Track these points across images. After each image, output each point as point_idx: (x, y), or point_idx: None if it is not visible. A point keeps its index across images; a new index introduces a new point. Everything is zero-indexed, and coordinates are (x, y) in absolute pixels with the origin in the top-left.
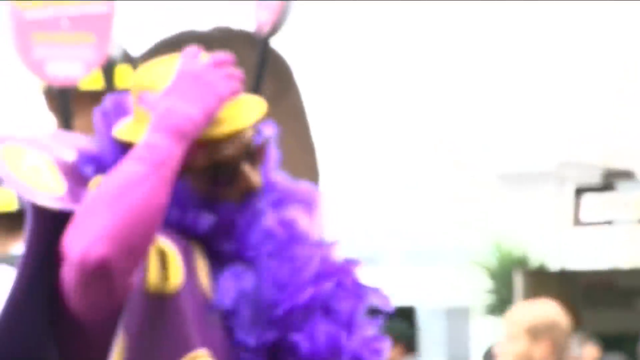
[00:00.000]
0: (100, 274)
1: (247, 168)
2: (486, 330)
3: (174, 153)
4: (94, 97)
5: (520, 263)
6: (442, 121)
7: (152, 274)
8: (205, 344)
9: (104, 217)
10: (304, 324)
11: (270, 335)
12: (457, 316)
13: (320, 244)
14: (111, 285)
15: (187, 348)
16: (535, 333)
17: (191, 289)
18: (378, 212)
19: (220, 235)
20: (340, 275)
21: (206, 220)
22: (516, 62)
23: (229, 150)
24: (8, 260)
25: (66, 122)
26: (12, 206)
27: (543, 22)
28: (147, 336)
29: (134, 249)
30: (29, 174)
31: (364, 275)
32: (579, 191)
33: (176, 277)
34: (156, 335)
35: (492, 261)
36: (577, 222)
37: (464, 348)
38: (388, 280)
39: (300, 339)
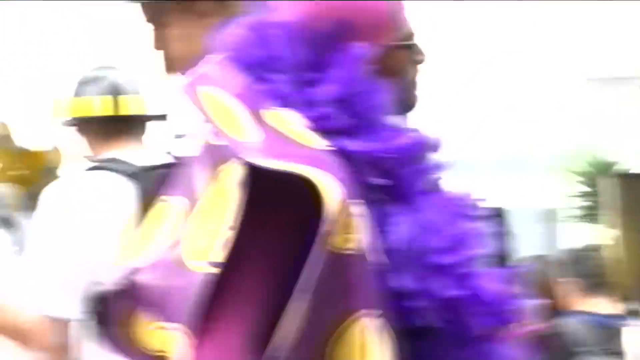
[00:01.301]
0: None
1: None
2: (575, 234)
3: None
4: (187, 7)
5: (608, 168)
6: (531, 27)
7: (340, 237)
8: (369, 303)
9: None
10: (469, 281)
11: (434, 285)
12: (546, 220)
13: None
14: None
15: (355, 307)
16: None
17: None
18: (468, 120)
19: (377, 166)
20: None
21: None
22: None
23: None
24: (97, 163)
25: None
26: (92, 112)
27: None
28: (320, 292)
29: None
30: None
31: (457, 183)
32: None
33: (358, 241)
34: (327, 292)
35: (581, 166)
36: None
37: (553, 251)
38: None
39: (480, 294)
